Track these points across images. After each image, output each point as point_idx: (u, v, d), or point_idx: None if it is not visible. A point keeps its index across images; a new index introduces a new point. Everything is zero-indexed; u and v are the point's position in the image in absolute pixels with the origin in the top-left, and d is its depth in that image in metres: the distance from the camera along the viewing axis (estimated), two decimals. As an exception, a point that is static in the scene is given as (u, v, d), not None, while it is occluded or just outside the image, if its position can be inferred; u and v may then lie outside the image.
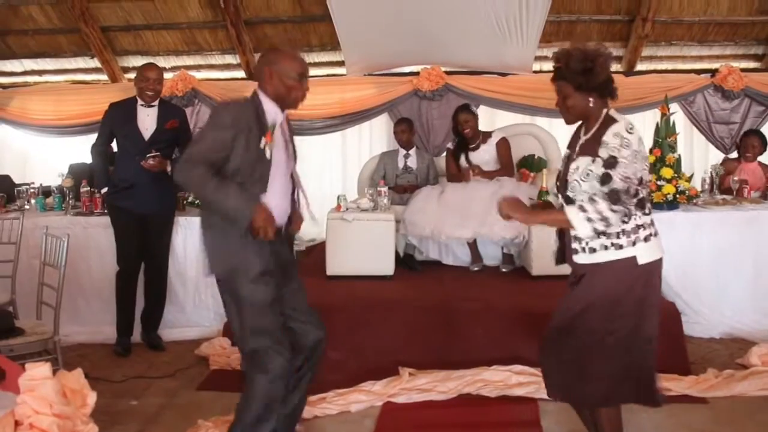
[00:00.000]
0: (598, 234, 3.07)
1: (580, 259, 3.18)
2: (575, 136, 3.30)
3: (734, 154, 7.27)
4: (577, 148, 3.21)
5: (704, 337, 5.45)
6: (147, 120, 5.41)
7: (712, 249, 5.60)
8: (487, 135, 6.68)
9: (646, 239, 3.10)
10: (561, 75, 3.16)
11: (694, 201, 5.77)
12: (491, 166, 6.51)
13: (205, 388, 4.76)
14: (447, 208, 6.11)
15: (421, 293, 5.56)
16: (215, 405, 4.35)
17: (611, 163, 3.01)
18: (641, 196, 3.11)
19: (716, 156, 7.87)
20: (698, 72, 8.06)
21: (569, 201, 3.15)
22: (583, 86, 3.11)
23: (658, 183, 5.58)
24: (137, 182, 5.34)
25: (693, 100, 7.90)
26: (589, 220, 3.02)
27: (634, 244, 3.08)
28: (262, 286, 3.35)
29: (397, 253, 6.11)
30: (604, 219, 3.01)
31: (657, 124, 5.85)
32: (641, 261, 3.09)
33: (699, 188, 6.10)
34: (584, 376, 3.21)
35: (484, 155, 6.56)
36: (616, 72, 8.30)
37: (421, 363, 4.76)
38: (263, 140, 3.31)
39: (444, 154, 7.12)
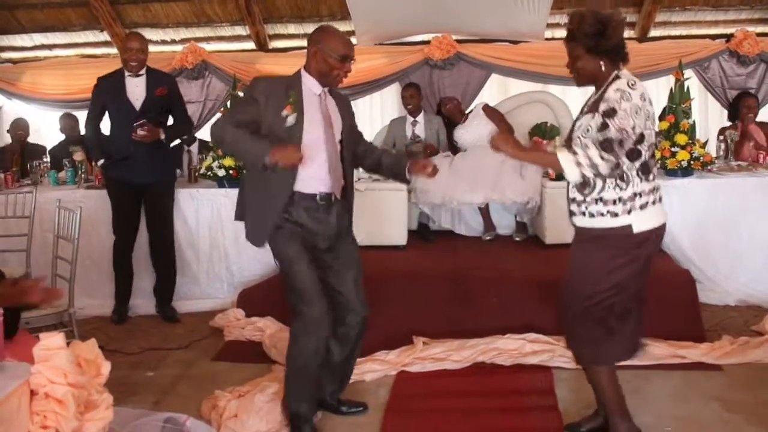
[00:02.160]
0: (585, 185, 3.10)
1: (578, 221, 3.24)
2: (588, 101, 3.32)
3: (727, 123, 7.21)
4: (585, 108, 3.25)
5: (719, 305, 5.43)
6: (136, 90, 5.43)
7: (727, 216, 5.55)
8: (468, 113, 6.74)
9: (642, 207, 3.11)
10: (573, 37, 3.16)
11: (709, 167, 5.71)
12: (485, 140, 6.41)
13: (220, 359, 4.79)
14: (457, 175, 6.07)
15: (434, 262, 5.55)
16: (230, 376, 4.38)
17: (609, 113, 3.02)
18: (644, 159, 3.11)
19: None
20: (713, 37, 7.95)
21: None
22: (594, 49, 3.12)
23: (672, 149, 5.53)
24: (133, 153, 5.35)
25: (708, 65, 7.80)
26: (578, 164, 3.04)
27: (629, 212, 3.10)
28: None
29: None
30: (593, 165, 3.02)
31: (671, 90, 5.77)
32: (636, 229, 3.11)
33: (714, 154, 6.04)
34: (580, 337, 3.30)
35: (475, 131, 6.49)
36: (630, 38, 8.24)
37: (434, 332, 4.76)
38: (284, 110, 3.42)
39: None
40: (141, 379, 4.46)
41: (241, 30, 8.75)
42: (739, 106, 6.84)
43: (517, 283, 5.10)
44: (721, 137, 6.37)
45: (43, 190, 5.83)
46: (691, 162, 5.51)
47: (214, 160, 5.72)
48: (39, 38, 9.02)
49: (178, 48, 8.39)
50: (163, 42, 8.90)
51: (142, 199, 5.51)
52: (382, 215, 5.81)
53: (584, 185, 3.14)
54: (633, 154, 3.07)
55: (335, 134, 3.60)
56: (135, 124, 5.28)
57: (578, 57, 3.17)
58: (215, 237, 5.84)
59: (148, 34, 8.67)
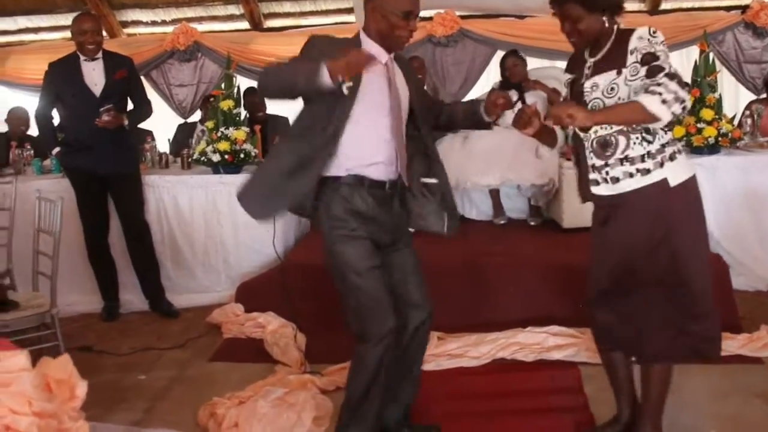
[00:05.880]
0: (606, 145, 2.83)
1: (601, 190, 2.91)
2: (576, 60, 3.03)
3: (763, 95, 6.90)
4: (587, 70, 2.93)
5: (749, 290, 5.11)
6: (94, 74, 5.09)
7: (758, 195, 5.22)
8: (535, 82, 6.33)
9: (671, 157, 2.82)
10: None
11: (737, 144, 5.38)
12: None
13: (218, 359, 4.48)
14: (471, 156, 5.76)
15: (446, 249, 5.17)
16: (229, 377, 4.09)
17: (650, 58, 2.73)
18: None
19: (747, 97, 7.50)
20: (728, 9, 7.68)
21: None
22: (596, 6, 2.84)
23: (698, 126, 5.18)
24: (94, 143, 5.02)
25: (722, 38, 7.56)
26: (664, 101, 2.64)
27: (662, 165, 2.81)
28: (371, 275, 3.02)
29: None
30: (680, 98, 2.65)
31: (695, 62, 5.42)
32: (673, 182, 2.81)
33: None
34: (642, 330, 2.96)
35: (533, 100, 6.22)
36: (640, 11, 7.94)
37: (450, 326, 4.40)
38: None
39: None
40: (132, 383, 4.14)
41: (234, 9, 8.50)
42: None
43: (536, 270, 4.80)
44: (748, 112, 6.05)
45: (26, 179, 5.49)
46: (719, 138, 5.17)
47: (208, 145, 5.39)
48: (23, 21, 8.80)
49: (170, 29, 8.15)
50: (154, 23, 8.66)
51: (107, 188, 5.22)
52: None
53: (605, 146, 2.84)
54: None
55: (403, 112, 3.07)
56: (101, 110, 4.95)
57: (580, 18, 2.85)
58: (211, 226, 5.52)
59: (138, 14, 8.48)
